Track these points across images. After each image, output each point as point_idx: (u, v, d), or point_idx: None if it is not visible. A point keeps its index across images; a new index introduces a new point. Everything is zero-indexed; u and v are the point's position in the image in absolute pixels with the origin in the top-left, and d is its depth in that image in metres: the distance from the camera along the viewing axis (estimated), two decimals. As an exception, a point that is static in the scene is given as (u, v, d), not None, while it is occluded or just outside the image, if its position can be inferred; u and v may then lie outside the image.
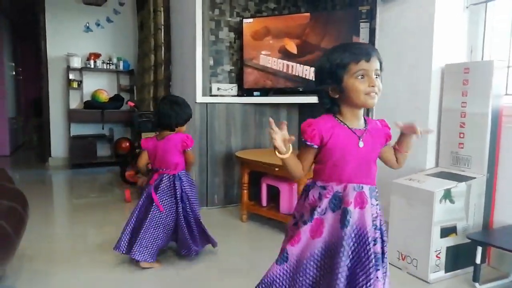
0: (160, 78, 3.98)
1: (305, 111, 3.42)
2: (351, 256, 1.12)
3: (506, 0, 2.11)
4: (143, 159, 2.20)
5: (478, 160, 2.07)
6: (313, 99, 2.93)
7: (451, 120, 2.19)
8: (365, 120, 1.20)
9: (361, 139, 1.15)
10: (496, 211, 2.10)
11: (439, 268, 1.97)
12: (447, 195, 1.95)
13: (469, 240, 1.91)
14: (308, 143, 1.15)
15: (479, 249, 1.84)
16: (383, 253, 1.18)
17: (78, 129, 5.31)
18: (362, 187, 1.15)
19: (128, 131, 5.48)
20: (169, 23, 3.92)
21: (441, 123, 2.26)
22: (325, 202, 1.15)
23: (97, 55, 5.34)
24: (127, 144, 4.73)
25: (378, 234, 1.16)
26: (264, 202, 2.84)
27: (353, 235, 1.13)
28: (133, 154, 3.96)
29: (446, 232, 1.97)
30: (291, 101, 3.20)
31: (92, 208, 3.33)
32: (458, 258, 2.01)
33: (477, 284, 1.87)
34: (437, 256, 1.96)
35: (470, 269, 1.93)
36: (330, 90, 1.15)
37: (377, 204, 1.20)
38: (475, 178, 2.03)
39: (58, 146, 5.38)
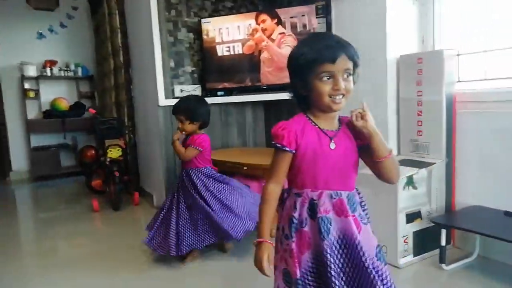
0: (120, 82, 3.87)
1: (270, 108, 3.43)
2: (345, 272, 1.04)
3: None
4: None
5: (436, 146, 2.15)
6: (278, 96, 2.97)
7: (409, 109, 2.26)
8: (339, 120, 1.11)
9: (332, 141, 1.05)
10: (457, 193, 2.19)
11: (407, 252, 2.04)
12: (410, 181, 2.02)
13: (434, 224, 1.99)
14: (287, 149, 1.04)
15: (443, 232, 1.93)
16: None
17: (39, 140, 5.10)
18: (340, 194, 1.06)
19: (92, 139, 5.30)
20: (125, 25, 3.81)
21: (400, 112, 2.33)
22: (302, 211, 1.06)
23: (53, 62, 5.12)
24: (92, 152, 4.59)
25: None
26: (235, 202, 2.82)
27: (337, 246, 1.04)
28: (99, 162, 3.84)
29: (412, 217, 2.04)
30: (256, 99, 3.20)
31: (60, 221, 3.21)
32: (424, 241, 2.09)
33: (444, 265, 1.96)
34: (404, 241, 2.03)
35: (437, 251, 2.01)
36: (298, 87, 1.07)
37: (363, 209, 1.12)
38: (435, 163, 2.11)
39: (19, 159, 5.14)
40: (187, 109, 2.17)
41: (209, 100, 3.21)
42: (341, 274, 1.03)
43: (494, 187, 2.03)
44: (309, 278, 1.06)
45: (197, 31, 3.26)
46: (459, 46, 2.16)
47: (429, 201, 2.10)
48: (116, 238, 2.70)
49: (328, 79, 1.01)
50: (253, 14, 3.08)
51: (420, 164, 2.12)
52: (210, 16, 3.29)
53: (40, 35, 5.15)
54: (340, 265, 1.03)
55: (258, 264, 1.06)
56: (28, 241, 2.93)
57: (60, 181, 4.92)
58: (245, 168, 2.57)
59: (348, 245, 1.03)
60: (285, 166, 1.08)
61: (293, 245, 1.06)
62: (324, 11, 2.75)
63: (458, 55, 2.14)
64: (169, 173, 3.12)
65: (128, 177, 3.75)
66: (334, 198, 1.05)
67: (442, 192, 2.15)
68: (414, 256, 2.07)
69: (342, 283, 1.02)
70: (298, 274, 1.04)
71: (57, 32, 5.24)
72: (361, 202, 1.12)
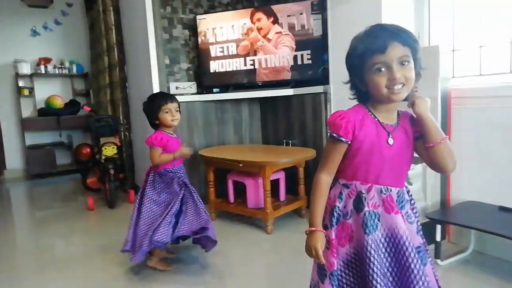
0: (115, 80, 3.85)
1: (266, 105, 3.42)
2: (391, 272, 1.00)
3: (448, -14, 2.19)
4: None
5: (432, 142, 2.14)
6: (274, 93, 2.96)
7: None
8: (398, 114, 1.06)
9: (390, 136, 1.01)
10: (452, 189, 2.20)
11: (402, 248, 2.04)
12: (405, 178, 2.02)
13: (429, 219, 1.99)
14: (343, 139, 1.00)
15: (439, 227, 1.93)
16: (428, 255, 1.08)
17: (34, 138, 5.07)
18: (391, 190, 1.03)
19: (87, 137, 5.28)
20: (120, 22, 3.79)
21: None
22: (348, 203, 1.04)
23: (47, 60, 5.09)
24: (88, 150, 4.58)
25: (423, 239, 1.07)
26: (231, 198, 2.83)
27: (385, 244, 1.01)
28: (94, 160, 3.83)
29: (407, 213, 2.04)
30: (252, 96, 3.19)
31: (55, 219, 3.20)
32: (419, 237, 2.09)
33: (439, 261, 1.96)
34: (400, 237, 2.03)
35: (432, 246, 2.01)
36: (357, 83, 1.04)
37: (413, 207, 1.08)
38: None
39: (14, 158, 5.11)
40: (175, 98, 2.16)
41: (205, 97, 3.23)
42: (388, 274, 1.00)
43: (489, 182, 2.04)
44: (346, 272, 1.04)
45: (193, 27, 3.25)
46: (454, 42, 2.17)
47: (424, 197, 2.11)
48: (112, 236, 2.69)
49: (382, 70, 0.95)
50: (249, 10, 3.07)
51: (415, 160, 2.11)
52: (206, 12, 3.27)
53: (34, 32, 5.11)
54: (387, 264, 1.00)
55: (310, 253, 1.03)
56: (23, 239, 2.91)
57: (55, 179, 4.89)
58: (240, 165, 2.56)
59: (396, 245, 1.00)
60: (338, 157, 1.04)
61: (333, 236, 1.04)
62: (320, 7, 2.74)
63: (453, 50, 2.14)
64: (165, 170, 3.11)
65: (123, 175, 3.73)
66: (385, 194, 1.02)
67: (437, 188, 2.16)
68: (410, 251, 2.07)
69: (389, 283, 0.99)
70: (335, 266, 1.03)
71: (51, 29, 5.20)
72: (410, 200, 1.08)
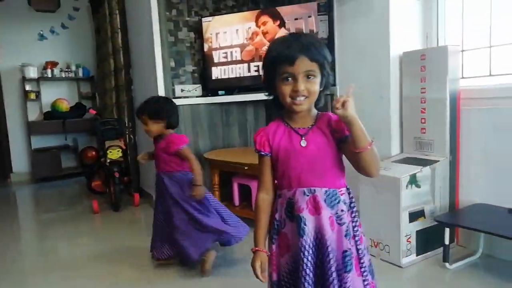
0: (121, 83, 3.85)
1: (272, 107, 3.40)
2: (314, 272, 1.04)
3: (456, -14, 2.17)
4: None
5: (440, 144, 2.12)
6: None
7: (412, 106, 2.24)
8: (316, 117, 1.09)
9: (303, 138, 1.05)
10: (461, 191, 2.16)
11: (410, 252, 2.01)
12: (413, 180, 1.99)
13: (437, 223, 1.96)
14: (262, 152, 1.09)
15: (447, 231, 1.89)
16: (360, 263, 1.08)
17: (40, 142, 5.09)
18: (314, 191, 1.04)
19: (93, 140, 5.29)
20: (126, 25, 3.80)
21: (403, 109, 2.31)
22: (282, 212, 1.09)
23: (54, 64, 5.12)
24: (93, 153, 4.57)
25: (351, 244, 1.06)
26: (236, 201, 2.81)
27: (312, 246, 1.03)
28: (100, 163, 3.83)
29: (415, 216, 2.01)
30: (257, 98, 3.17)
31: (61, 222, 3.20)
32: (428, 240, 2.06)
33: (447, 264, 1.93)
34: (407, 241, 2.00)
35: (440, 250, 1.98)
36: (269, 87, 1.09)
37: (350, 210, 1.08)
38: (438, 161, 2.08)
39: (20, 161, 5.13)
40: (149, 107, 2.03)
41: (210, 99, 3.21)
42: (311, 275, 1.03)
43: (498, 184, 2.00)
44: (285, 280, 1.08)
45: (198, 30, 3.25)
46: (463, 42, 2.14)
47: (432, 200, 2.07)
48: (116, 239, 2.68)
49: (289, 80, 1.01)
50: (255, 12, 3.06)
51: (423, 162, 2.09)
52: (212, 15, 3.27)
53: (41, 37, 5.15)
54: (314, 265, 1.03)
55: (253, 270, 1.09)
56: (29, 242, 2.91)
57: (61, 183, 4.90)
58: (246, 168, 2.54)
59: (321, 245, 1.03)
60: (267, 170, 1.11)
61: (274, 248, 1.10)
62: (326, 8, 2.72)
63: (462, 51, 2.12)
64: (170, 173, 3.10)
65: (128, 178, 3.73)
66: (308, 195, 1.04)
67: (445, 191, 2.12)
68: (417, 255, 2.04)
69: (311, 282, 1.02)
70: (275, 277, 1.09)
71: (58, 33, 5.24)
72: (350, 203, 1.09)
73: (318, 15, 2.77)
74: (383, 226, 2.06)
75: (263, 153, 1.09)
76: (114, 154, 3.38)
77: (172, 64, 3.19)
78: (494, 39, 2.03)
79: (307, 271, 1.01)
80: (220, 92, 3.23)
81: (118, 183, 3.33)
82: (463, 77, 2.14)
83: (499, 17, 2.01)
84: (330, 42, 2.67)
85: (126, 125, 3.83)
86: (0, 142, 5.19)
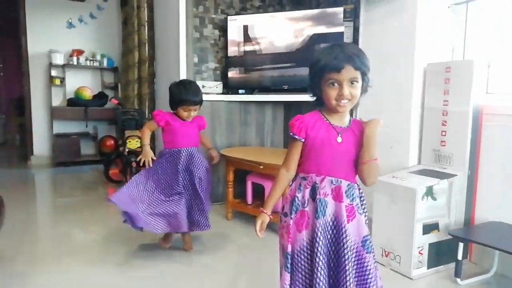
0: (144, 75, 3.93)
1: (290, 109, 3.42)
2: (328, 253, 1.17)
3: (487, 0, 2.14)
4: None
5: (459, 158, 2.09)
6: (299, 98, 2.95)
7: (433, 118, 2.22)
8: (350, 120, 1.24)
9: (339, 135, 1.19)
10: (477, 207, 2.13)
11: (421, 264, 2.00)
12: (429, 192, 1.97)
13: (451, 237, 1.94)
14: (296, 137, 1.21)
15: (461, 245, 1.87)
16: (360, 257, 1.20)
17: (61, 127, 5.22)
18: (340, 182, 1.19)
19: (112, 129, 5.40)
20: (152, 19, 3.87)
21: (424, 121, 2.29)
22: (305, 193, 1.20)
23: (80, 52, 5.24)
24: (112, 142, 4.68)
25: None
26: (249, 200, 2.83)
27: (329, 227, 1.18)
28: (118, 152, 3.91)
29: (429, 228, 1.99)
30: (276, 99, 3.19)
31: (76, 208, 3.27)
32: (440, 254, 2.04)
33: (458, 280, 1.90)
34: (419, 253, 1.98)
35: (452, 265, 1.96)
36: (315, 88, 1.22)
37: (362, 205, 1.23)
38: (456, 175, 2.06)
39: (41, 144, 5.27)
40: (200, 96, 2.18)
41: (230, 97, 3.25)
42: (329, 254, 1.17)
43: (516, 204, 1.96)
44: (302, 256, 1.20)
45: (223, 28, 3.28)
46: (490, 57, 2.11)
47: (448, 213, 2.05)
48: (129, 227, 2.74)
49: (335, 85, 1.15)
50: (280, 14, 3.08)
51: (441, 175, 2.07)
52: (237, 14, 3.30)
53: (70, 24, 5.27)
54: (329, 245, 1.17)
55: (255, 226, 1.26)
56: (44, 225, 2.99)
57: (79, 168, 5.01)
58: (261, 167, 2.56)
59: (337, 228, 1.17)
60: (295, 153, 1.24)
61: (290, 222, 1.21)
62: (353, 15, 2.72)
63: (489, 66, 2.09)
64: (186, 167, 3.14)
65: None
66: (334, 184, 1.19)
67: (462, 205, 2.10)
68: (428, 268, 2.02)
69: (326, 260, 1.16)
70: (289, 249, 1.21)
71: (86, 23, 5.36)
72: (360, 197, 1.24)
73: (344, 20, 2.77)
74: (396, 236, 2.05)
75: (297, 138, 1.21)
76: (133, 144, 3.45)
77: (196, 60, 3.24)
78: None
79: (319, 248, 1.15)
80: (240, 91, 3.26)
81: (135, 172, 3.39)
82: (487, 93, 2.11)
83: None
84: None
85: (147, 116, 3.90)
86: (23, 125, 5.33)
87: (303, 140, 1.21)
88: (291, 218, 1.21)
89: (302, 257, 1.20)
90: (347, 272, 1.14)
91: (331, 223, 1.18)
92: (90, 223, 2.88)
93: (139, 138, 3.53)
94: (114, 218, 3.06)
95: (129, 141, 3.45)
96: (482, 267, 2.08)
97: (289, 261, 1.21)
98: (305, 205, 1.20)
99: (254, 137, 3.46)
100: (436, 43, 2.28)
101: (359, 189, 1.24)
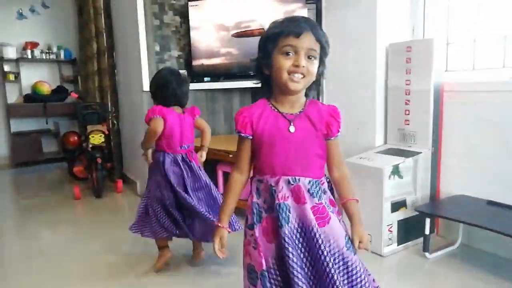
0: (104, 67, 3.76)
1: (258, 95, 3.37)
2: (306, 263, 1.00)
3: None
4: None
5: (423, 136, 2.14)
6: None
7: (397, 97, 2.25)
8: (305, 103, 1.06)
9: (292, 124, 1.01)
10: (442, 183, 2.20)
11: (391, 241, 2.05)
12: (396, 171, 2.01)
13: (418, 213, 1.99)
14: (242, 134, 1.04)
15: (428, 221, 1.93)
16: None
17: (20, 125, 4.95)
18: (298, 180, 1.01)
19: (75, 124, 5.17)
20: (109, 7, 3.69)
21: (388, 101, 2.32)
22: (266, 197, 1.03)
23: (34, 44, 4.95)
24: (75, 138, 4.48)
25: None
26: (220, 189, 2.80)
27: (295, 233, 1.00)
28: (82, 148, 3.75)
29: (396, 206, 2.04)
30: (243, 86, 3.14)
31: (41, 208, 3.13)
32: (409, 230, 2.10)
33: (427, 254, 1.97)
34: (389, 230, 2.03)
35: (421, 239, 2.02)
36: (262, 65, 1.04)
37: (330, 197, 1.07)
38: (421, 153, 2.11)
39: (-2, 145, 4.99)
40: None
41: (196, 86, 3.16)
42: (303, 266, 0.99)
43: (478, 176, 2.04)
44: (276, 268, 1.01)
45: (184, 14, 3.17)
46: (448, 35, 2.15)
47: (414, 190, 2.11)
48: (98, 225, 2.65)
49: (290, 54, 0.98)
50: (242, -2, 3.01)
51: (406, 153, 2.11)
52: (198, -1, 3.19)
53: (21, 15, 4.95)
54: (302, 256, 1.00)
55: (213, 245, 1.09)
56: (9, 228, 2.84)
57: (41, 167, 4.80)
58: (231, 156, 2.53)
59: (306, 235, 0.99)
60: (245, 152, 1.08)
61: (257, 233, 1.02)
62: (314, -3, 2.69)
63: (447, 44, 2.13)
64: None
65: (111, 164, 3.68)
66: (292, 184, 1.01)
67: (427, 182, 2.16)
68: (398, 244, 2.08)
69: (303, 274, 0.98)
70: (264, 265, 1.00)
71: (39, 13, 5.05)
72: (331, 189, 1.09)
73: (306, 3, 2.74)
74: (365, 216, 2.06)
75: (243, 135, 1.05)
76: (97, 139, 3.32)
77: (157, 48, 3.12)
78: (478, 33, 2.05)
79: (292, 261, 0.97)
80: (206, 79, 3.18)
81: (100, 169, 3.28)
82: (447, 70, 2.16)
83: (484, 11, 2.02)
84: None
85: (109, 109, 3.76)
86: (-23, 125, 5.02)
87: (250, 137, 1.04)
88: (257, 229, 1.03)
89: (278, 268, 1.01)
90: (336, 283, 0.95)
91: (299, 230, 1.00)
92: (57, 223, 2.77)
93: (103, 133, 3.40)
94: (81, 218, 2.96)
95: (92, 136, 3.32)
96: (449, 239, 2.16)
97: (267, 279, 1.00)
98: (267, 212, 1.03)
99: (223, 125, 3.41)
100: (397, 23, 2.30)
101: (328, 182, 1.09)
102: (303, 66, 0.97)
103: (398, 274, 1.93)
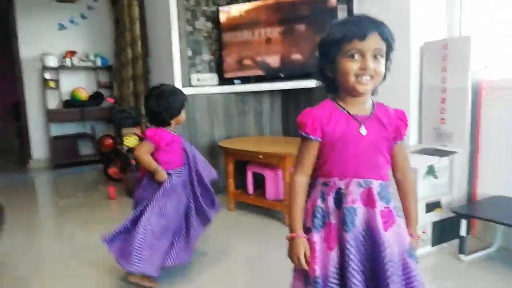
0: (138, 73, 3.90)
1: (288, 97, 3.40)
2: (365, 266, 0.96)
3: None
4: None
5: (460, 135, 2.09)
6: (296, 85, 2.93)
7: (432, 96, 2.20)
8: (373, 105, 1.04)
9: (362, 126, 0.99)
10: (479, 183, 2.12)
11: (426, 243, 1.99)
12: (431, 171, 1.97)
13: (454, 214, 1.93)
14: (312, 137, 1.00)
15: (464, 222, 1.87)
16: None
17: (59, 129, 5.19)
18: (371, 182, 0.99)
19: (110, 128, 5.36)
20: (144, 16, 3.84)
21: (422, 99, 2.28)
22: (329, 201, 1.00)
23: (73, 53, 5.20)
24: (110, 141, 4.64)
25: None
26: (250, 190, 2.82)
27: (362, 240, 0.96)
28: (117, 151, 3.89)
29: (431, 207, 1.99)
30: (273, 88, 3.17)
31: (77, 208, 3.26)
32: (443, 231, 2.03)
33: (463, 256, 1.90)
34: (423, 231, 1.98)
35: (456, 241, 1.96)
36: (326, 68, 1.02)
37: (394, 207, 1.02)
38: (457, 152, 2.05)
39: (39, 148, 5.24)
40: (173, 108, 1.88)
41: (226, 88, 3.22)
42: (364, 271, 0.95)
43: (519, 177, 1.96)
44: (334, 279, 0.96)
45: (215, 20, 3.26)
46: (486, 33, 2.09)
47: (450, 191, 2.05)
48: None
49: (356, 57, 0.95)
50: (272, 1, 3.05)
51: (442, 153, 2.06)
52: (229, 3, 3.27)
53: (61, 26, 5.23)
54: (363, 259, 0.96)
55: (295, 260, 1.01)
56: (47, 227, 2.97)
57: (78, 169, 4.98)
58: (260, 156, 2.55)
59: (371, 238, 0.96)
60: (311, 156, 1.03)
61: (315, 238, 0.99)
62: (345, -2, 2.69)
63: (485, 41, 2.07)
64: (185, 161, 3.13)
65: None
66: (363, 187, 0.98)
67: (463, 182, 2.09)
68: (433, 246, 2.02)
69: (362, 280, 0.94)
70: (317, 272, 0.96)
71: (77, 23, 5.31)
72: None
73: (337, 2, 2.74)
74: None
75: (313, 138, 1.00)
76: (131, 142, 3.43)
77: (189, 53, 3.21)
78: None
79: (354, 267, 0.94)
80: (236, 82, 3.24)
81: (134, 170, 3.38)
82: (485, 67, 2.09)
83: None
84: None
85: (143, 113, 3.88)
86: (20, 129, 5.31)
87: (320, 140, 1.00)
88: (315, 234, 0.99)
89: (334, 280, 0.96)
90: None
91: (364, 234, 0.96)
92: (93, 222, 2.87)
93: (137, 136, 3.52)
94: (116, 217, 3.06)
95: (127, 139, 3.44)
96: (486, 242, 2.07)
97: (320, 285, 0.95)
98: (330, 216, 0.99)
99: (253, 127, 3.45)
100: (432, 21, 2.26)
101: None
102: (372, 67, 0.95)
103: (432, 277, 1.87)
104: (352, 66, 0.95)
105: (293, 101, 3.31)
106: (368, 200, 0.97)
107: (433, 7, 2.25)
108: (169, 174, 1.82)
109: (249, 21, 3.12)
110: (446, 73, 2.11)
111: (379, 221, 0.95)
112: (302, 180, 1.04)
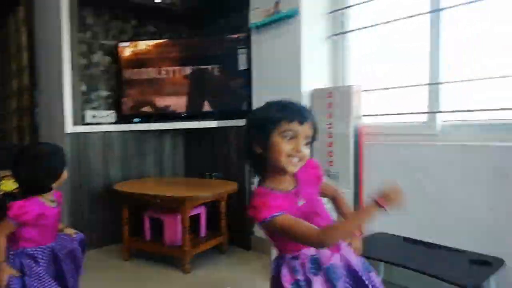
0: (24, 106, 3.52)
1: (190, 137, 3.34)
2: None
3: (360, 32, 2.38)
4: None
5: (345, 176, 2.24)
6: (197, 125, 2.90)
7: (321, 140, 2.35)
8: (293, 175, 1.11)
9: (299, 198, 1.08)
10: (365, 221, 2.28)
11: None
12: (321, 211, 2.05)
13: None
14: (284, 212, 1.00)
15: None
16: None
17: None
18: None
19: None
20: (33, 43, 3.52)
21: (314, 143, 2.41)
22: (306, 271, 1.04)
23: None
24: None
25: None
26: (147, 236, 2.65)
27: (348, 280, 1.07)
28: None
29: (323, 247, 2.06)
30: (175, 127, 3.10)
31: None
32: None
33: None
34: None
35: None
36: (255, 144, 1.05)
37: None
38: (343, 192, 2.18)
39: None
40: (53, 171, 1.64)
41: (125, 127, 3.06)
42: None
43: (395, 214, 2.14)
44: None
45: (115, 54, 3.12)
46: (365, 82, 2.34)
47: (339, 230, 2.15)
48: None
49: (289, 139, 1.02)
50: (176, 40, 3.05)
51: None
52: (131, 40, 3.17)
53: None
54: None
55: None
56: None
57: None
58: (158, 200, 2.42)
59: (354, 277, 1.07)
60: (299, 220, 1.02)
61: None
62: (246, 43, 2.79)
63: (364, 90, 2.31)
64: (76, 205, 2.84)
65: None
66: None
67: (350, 221, 2.22)
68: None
69: None
70: None
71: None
72: None
73: (239, 48, 2.83)
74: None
75: (285, 212, 1.00)
76: (8, 185, 3.01)
77: (84, 88, 3.00)
78: (391, 81, 2.26)
79: None
80: (135, 120, 3.10)
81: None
82: (364, 115, 2.32)
83: (397, 60, 2.24)
84: (247, 75, 2.75)
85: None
86: None
87: (285, 212, 1.01)
88: None
89: None
90: None
91: (348, 277, 1.07)
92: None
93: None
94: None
95: (3, 183, 3.01)
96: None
97: None
98: (311, 284, 1.02)
99: (153, 167, 3.29)
100: (319, 70, 2.46)
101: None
102: (303, 152, 1.03)
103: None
104: (285, 147, 1.01)
105: (195, 141, 3.27)
106: (336, 247, 1.08)
107: (319, 57, 2.45)
108: (30, 255, 1.52)
109: (151, 59, 3.05)
110: (331, 119, 2.28)
111: (352, 255, 1.09)
112: (322, 230, 1.01)
